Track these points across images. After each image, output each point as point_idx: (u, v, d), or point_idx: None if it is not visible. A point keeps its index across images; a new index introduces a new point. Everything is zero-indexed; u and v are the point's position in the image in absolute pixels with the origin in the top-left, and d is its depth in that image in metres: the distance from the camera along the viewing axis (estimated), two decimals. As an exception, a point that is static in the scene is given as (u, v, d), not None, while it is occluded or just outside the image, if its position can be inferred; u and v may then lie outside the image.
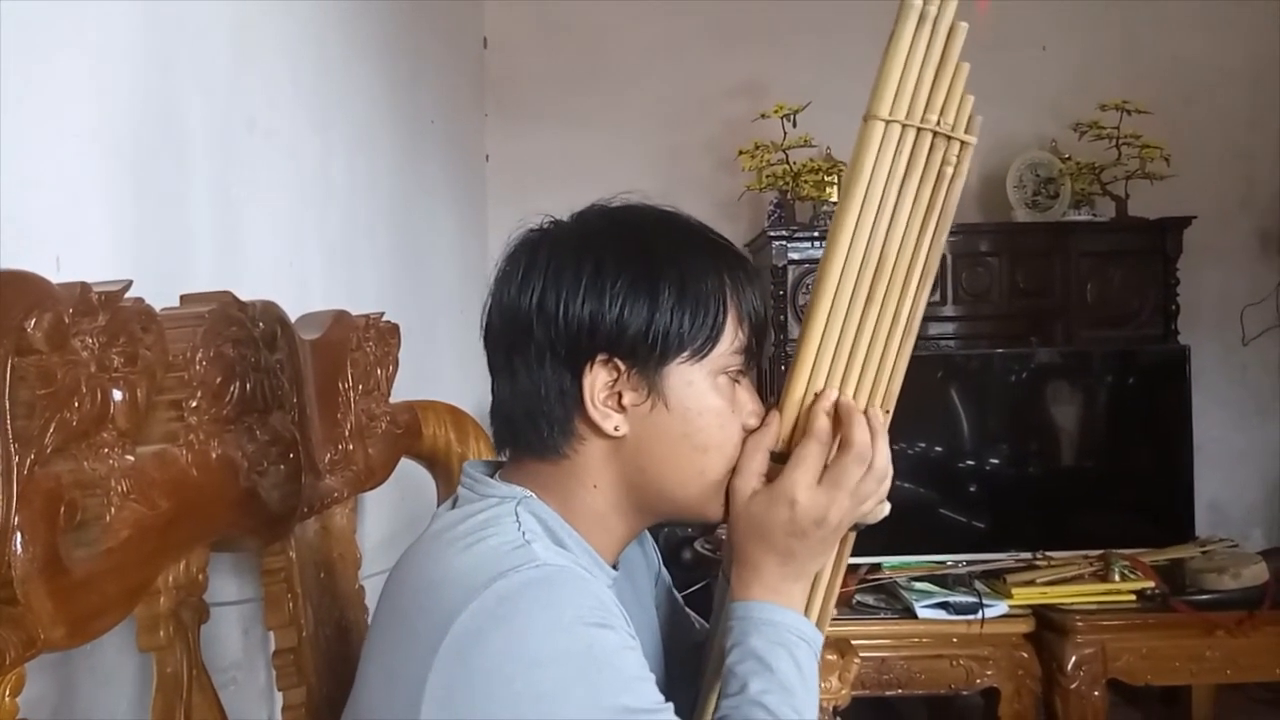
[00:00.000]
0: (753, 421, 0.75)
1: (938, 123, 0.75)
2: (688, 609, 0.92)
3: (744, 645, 0.72)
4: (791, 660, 0.71)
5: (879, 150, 0.75)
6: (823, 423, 0.74)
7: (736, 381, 0.75)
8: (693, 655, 0.84)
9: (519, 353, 0.73)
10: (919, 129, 0.75)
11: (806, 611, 0.76)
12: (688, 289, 0.72)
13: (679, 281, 0.71)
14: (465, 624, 0.63)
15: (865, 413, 0.75)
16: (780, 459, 0.75)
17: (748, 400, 0.76)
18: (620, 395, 0.72)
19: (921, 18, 0.74)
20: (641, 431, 0.72)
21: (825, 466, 0.73)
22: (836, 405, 0.75)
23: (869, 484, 0.73)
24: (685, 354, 0.72)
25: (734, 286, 0.74)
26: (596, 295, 0.71)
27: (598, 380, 0.72)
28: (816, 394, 0.76)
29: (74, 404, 0.57)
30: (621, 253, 0.72)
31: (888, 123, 0.75)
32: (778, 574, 0.74)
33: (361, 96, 1.77)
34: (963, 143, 0.76)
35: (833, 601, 0.79)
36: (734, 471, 0.74)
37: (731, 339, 0.73)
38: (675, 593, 0.91)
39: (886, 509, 0.76)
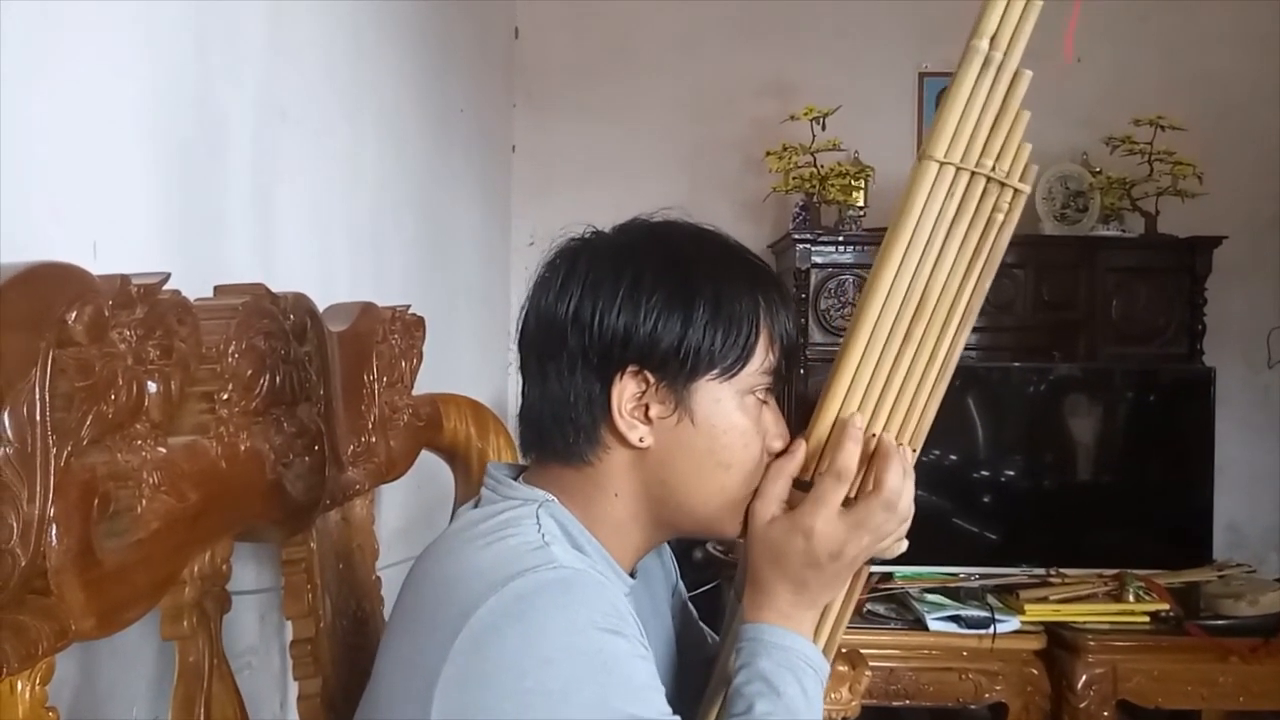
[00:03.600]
0: (777, 444, 0.76)
1: (993, 168, 0.75)
2: (702, 624, 0.93)
3: (752, 667, 0.72)
4: (798, 686, 0.72)
5: (931, 190, 0.75)
6: (850, 461, 0.74)
7: (764, 403, 0.76)
8: (704, 670, 0.84)
9: (551, 358, 0.74)
10: (973, 173, 0.75)
11: (815, 639, 0.76)
12: (722, 307, 0.72)
13: (714, 299, 0.72)
14: (482, 619, 0.64)
15: None
16: (803, 486, 0.75)
17: (773, 423, 0.76)
18: (647, 407, 0.73)
19: (986, 63, 0.75)
20: (666, 444, 0.73)
21: (848, 500, 0.73)
22: (876, 443, 0.75)
23: (890, 524, 0.73)
24: (715, 371, 0.72)
25: (768, 308, 0.74)
26: (632, 307, 0.71)
27: (626, 391, 0.72)
28: (846, 422, 0.75)
29: (110, 396, 0.57)
30: (660, 267, 0.72)
31: (942, 164, 0.75)
32: (790, 600, 0.74)
33: (392, 85, 1.77)
34: (1016, 190, 0.76)
35: (841, 631, 0.79)
36: (756, 494, 0.75)
37: (762, 360, 0.74)
38: (691, 607, 0.92)
39: (904, 546, 0.76)
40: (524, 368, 0.77)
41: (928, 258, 0.75)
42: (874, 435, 0.75)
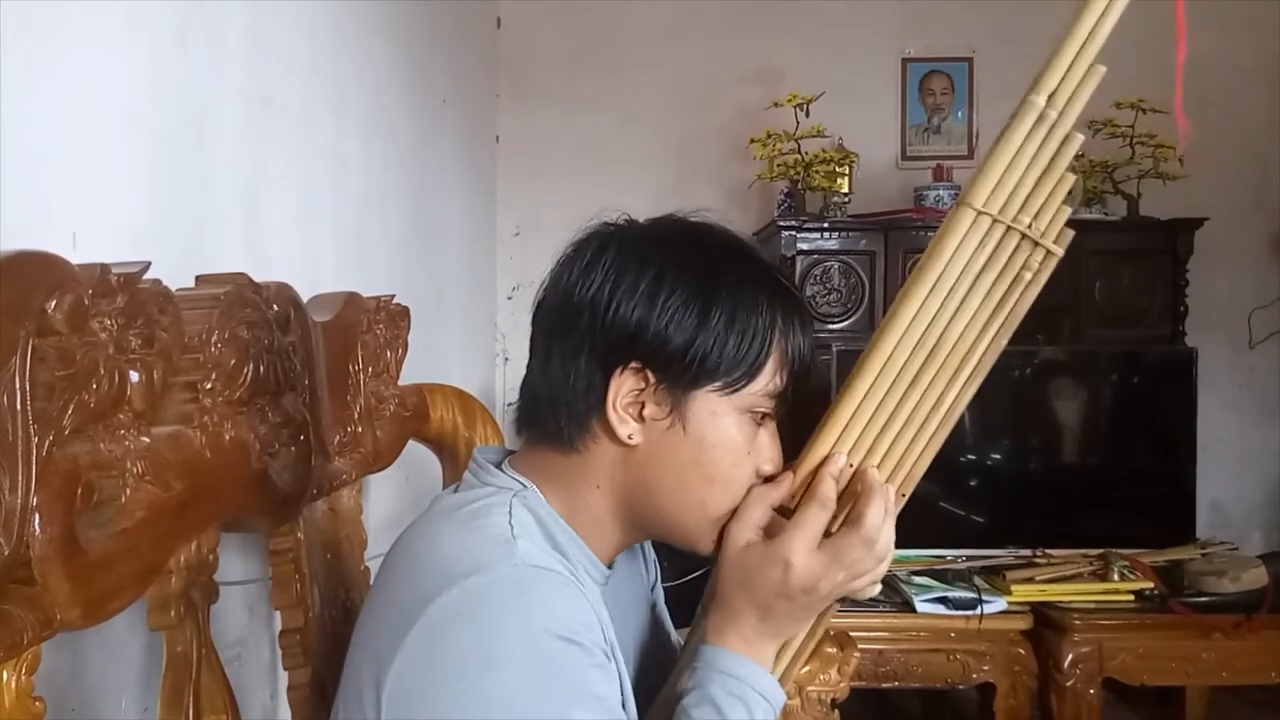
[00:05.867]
0: (768, 468, 0.75)
1: (1029, 225, 0.74)
2: (670, 628, 0.92)
3: (703, 690, 0.71)
4: (747, 715, 0.71)
5: (964, 238, 0.74)
6: (828, 488, 0.73)
7: (760, 424, 0.74)
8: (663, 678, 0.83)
9: (560, 338, 0.73)
10: (1009, 227, 0.74)
11: (773, 668, 0.75)
12: (738, 319, 0.71)
13: (732, 310, 0.71)
14: (436, 613, 0.64)
15: None
16: (785, 513, 0.73)
17: (767, 445, 0.75)
18: (642, 406, 0.72)
19: (1040, 119, 0.73)
20: (654, 446, 0.72)
21: (827, 533, 0.72)
22: (861, 477, 0.74)
23: (867, 563, 0.72)
24: (718, 383, 0.71)
25: (784, 329, 0.73)
26: (648, 303, 0.71)
27: (625, 385, 0.72)
28: (827, 457, 0.74)
29: (92, 385, 0.57)
30: (684, 268, 0.72)
31: (979, 213, 0.74)
32: (754, 628, 0.73)
33: (376, 75, 1.76)
34: (1049, 252, 0.75)
35: (800, 663, 0.78)
36: (733, 517, 0.74)
37: (768, 380, 0.73)
38: (665, 616, 0.91)
39: (877, 589, 0.75)
40: (533, 341, 0.77)
41: (949, 304, 0.74)
42: (851, 466, 0.74)
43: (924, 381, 0.74)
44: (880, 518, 0.72)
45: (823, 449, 0.75)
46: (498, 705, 0.62)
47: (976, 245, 0.74)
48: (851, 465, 0.74)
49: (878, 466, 0.75)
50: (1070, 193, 0.76)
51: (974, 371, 0.75)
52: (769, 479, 0.74)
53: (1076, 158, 3.03)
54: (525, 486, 0.74)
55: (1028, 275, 0.75)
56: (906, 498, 0.76)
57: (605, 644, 0.68)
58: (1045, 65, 0.74)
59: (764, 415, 0.74)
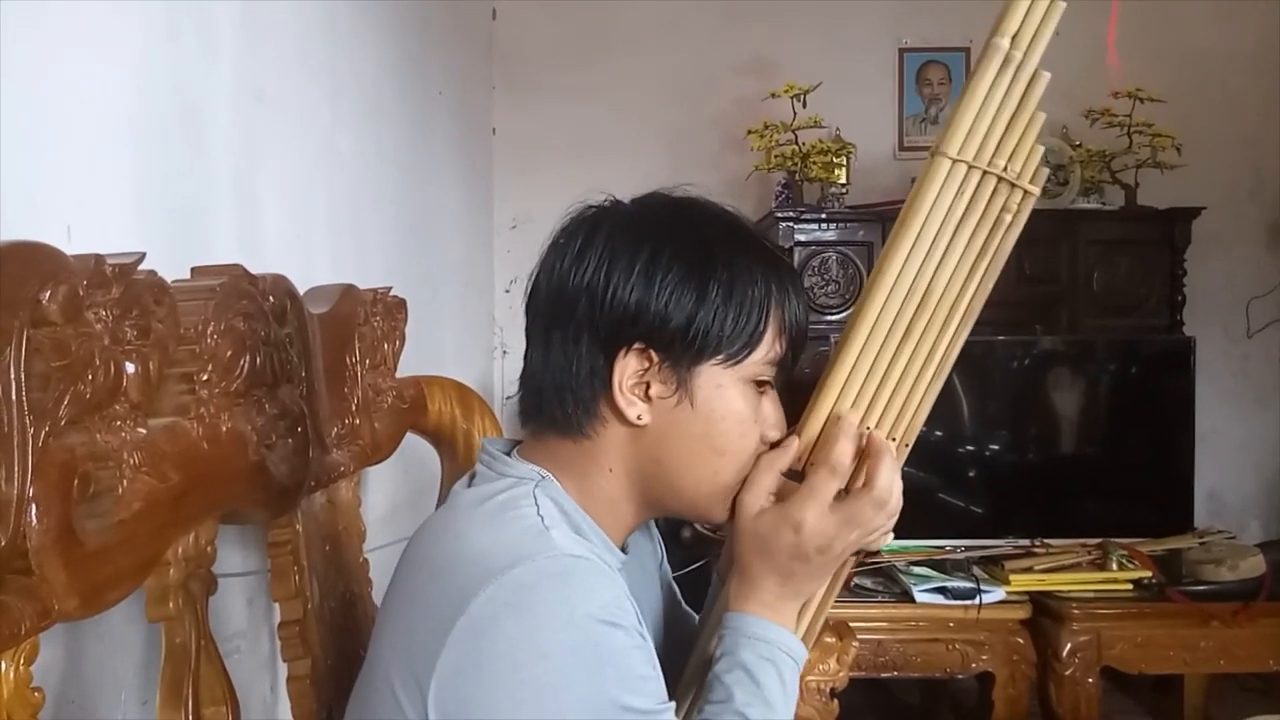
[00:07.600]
0: (773, 434, 0.76)
1: (1004, 168, 0.75)
2: (684, 604, 0.93)
3: (734, 656, 0.73)
4: (777, 676, 0.73)
5: (942, 187, 0.75)
6: (844, 457, 0.74)
7: (763, 392, 0.75)
8: (685, 649, 0.84)
9: (559, 326, 0.73)
10: (985, 172, 0.75)
11: (795, 627, 0.77)
12: (735, 292, 0.72)
13: (729, 284, 0.72)
14: (481, 607, 0.64)
15: None
16: (794, 476, 0.75)
17: (771, 413, 0.76)
18: (648, 385, 0.73)
19: (1005, 61, 0.74)
20: (663, 424, 0.73)
21: (838, 494, 0.74)
22: (868, 439, 0.75)
23: (879, 520, 0.74)
24: (720, 356, 0.72)
25: (780, 297, 0.74)
26: (646, 283, 0.71)
27: (629, 367, 0.72)
28: (841, 419, 0.75)
29: (88, 376, 0.57)
30: (679, 246, 0.72)
31: (955, 161, 0.74)
32: (775, 592, 0.75)
33: (370, 67, 1.75)
34: (1025, 192, 0.76)
35: (821, 620, 0.79)
36: (744, 485, 0.75)
37: (768, 349, 0.74)
38: (675, 587, 0.92)
39: (889, 539, 0.76)
40: (530, 332, 0.77)
41: (934, 254, 0.75)
42: (867, 430, 0.75)
43: (916, 332, 0.75)
44: (890, 479, 0.73)
45: (823, 409, 0.76)
46: (552, 694, 0.62)
47: (955, 193, 0.75)
48: (866, 429, 0.75)
49: (879, 419, 0.76)
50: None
51: (964, 317, 0.76)
52: (774, 445, 0.76)
53: (1074, 146, 3.01)
54: (543, 476, 0.74)
55: (1008, 217, 0.75)
56: (910, 447, 0.77)
57: (639, 623, 0.69)
58: (1005, 7, 0.75)
59: (765, 383, 0.75)
